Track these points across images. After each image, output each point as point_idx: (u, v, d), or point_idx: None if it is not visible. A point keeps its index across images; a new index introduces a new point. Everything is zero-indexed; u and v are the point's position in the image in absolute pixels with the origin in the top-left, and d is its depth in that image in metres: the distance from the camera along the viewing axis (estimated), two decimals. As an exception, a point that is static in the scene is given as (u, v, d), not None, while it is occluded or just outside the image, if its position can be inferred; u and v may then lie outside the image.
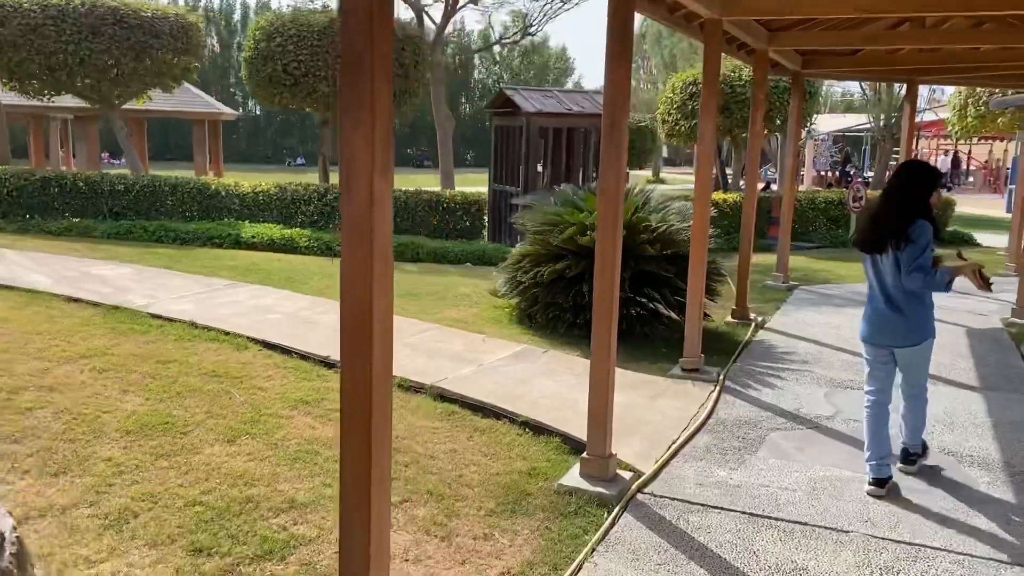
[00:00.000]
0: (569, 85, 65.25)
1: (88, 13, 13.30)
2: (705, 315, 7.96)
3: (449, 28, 26.40)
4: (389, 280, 2.41)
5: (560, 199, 8.17)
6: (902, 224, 4.19)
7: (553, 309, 7.51)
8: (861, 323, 4.60)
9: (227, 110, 24.60)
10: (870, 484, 4.48)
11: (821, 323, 8.51)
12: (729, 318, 8.44)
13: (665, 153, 51.63)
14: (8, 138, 16.15)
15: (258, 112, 56.36)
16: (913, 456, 4.83)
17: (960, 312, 9.05)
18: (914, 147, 28.11)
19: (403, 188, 14.24)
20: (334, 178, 17.42)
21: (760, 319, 8.49)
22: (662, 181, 42.09)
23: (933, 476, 4.74)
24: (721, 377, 6.43)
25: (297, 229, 12.54)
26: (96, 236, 11.74)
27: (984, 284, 4.29)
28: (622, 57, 4.27)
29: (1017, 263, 12.16)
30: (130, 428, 4.64)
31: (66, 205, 13.06)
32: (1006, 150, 38.18)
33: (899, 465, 4.76)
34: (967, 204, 22.82)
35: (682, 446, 5.07)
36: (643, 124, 17.10)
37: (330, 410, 5.18)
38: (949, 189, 28.71)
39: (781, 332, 8.10)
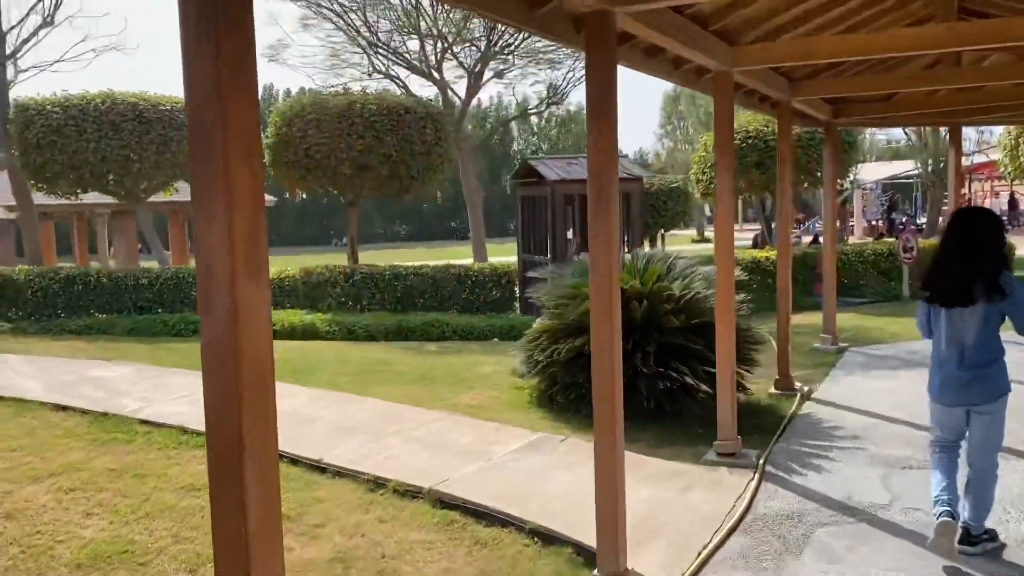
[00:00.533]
0: (608, 150, 65.28)
1: (108, 111, 13.43)
2: (743, 388, 7.30)
3: (485, 102, 26.52)
4: (267, 409, 1.89)
5: (576, 270, 7.64)
6: (993, 274, 3.95)
7: (573, 389, 6.91)
8: (933, 383, 4.22)
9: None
10: (938, 517, 4.01)
11: (875, 390, 7.74)
12: (772, 389, 7.73)
13: (708, 212, 50.97)
14: (54, 237, 16.31)
15: (304, 196, 57.39)
16: (975, 538, 4.21)
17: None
18: (967, 190, 27.06)
19: (432, 263, 13.89)
20: (364, 257, 17.25)
21: (806, 388, 7.75)
22: (707, 240, 41.37)
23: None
24: (761, 462, 5.72)
25: (319, 314, 12.19)
26: (115, 333, 11.53)
27: None
28: (605, 118, 3.76)
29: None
30: (82, 560, 4.15)
31: (91, 302, 12.94)
32: (1065, 188, 36.72)
33: (959, 546, 4.07)
34: (1028, 246, 21.65)
35: (714, 551, 4.39)
36: (675, 184, 16.62)
37: (314, 526, 4.63)
38: (1007, 231, 27.48)
39: (830, 403, 7.36)
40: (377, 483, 5.24)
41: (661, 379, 6.64)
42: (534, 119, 64.80)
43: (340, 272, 13.32)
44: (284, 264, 14.87)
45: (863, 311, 13.30)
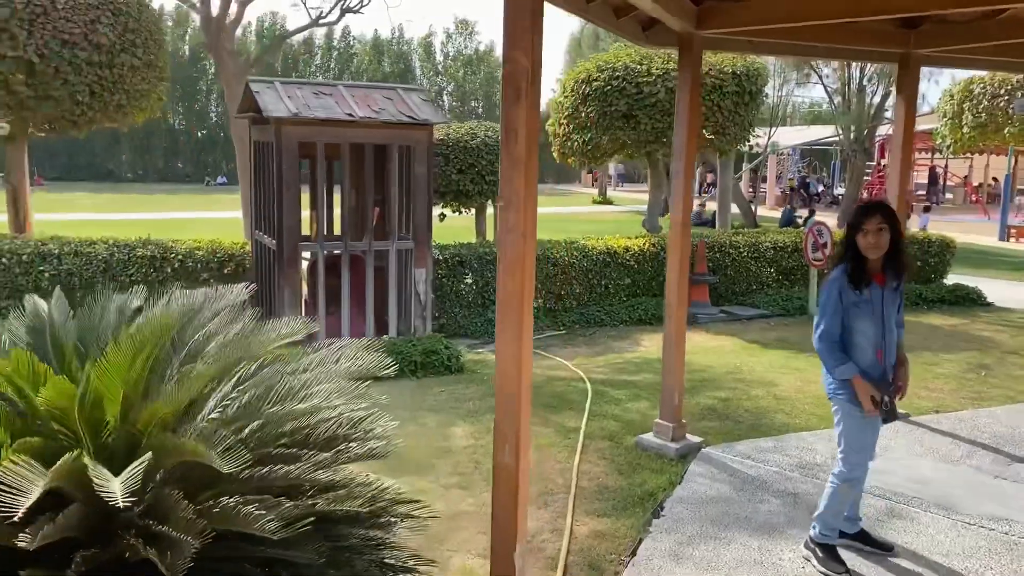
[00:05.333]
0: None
1: None
2: None
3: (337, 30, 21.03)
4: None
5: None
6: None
7: None
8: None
9: None
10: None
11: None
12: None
13: (614, 170, 46.49)
14: None
15: (178, 126, 51.01)
16: None
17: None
18: (886, 161, 23.08)
19: (117, 240, 8.97)
20: (87, 206, 12.15)
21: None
22: (609, 202, 36.77)
23: None
24: None
25: None
26: None
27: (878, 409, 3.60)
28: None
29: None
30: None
31: None
32: (987, 165, 33.61)
33: None
34: (949, 227, 18.03)
35: None
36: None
37: None
38: (928, 209, 23.75)
39: None
40: None
41: None
42: (438, 57, 58.70)
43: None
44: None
45: (752, 332, 9.07)
